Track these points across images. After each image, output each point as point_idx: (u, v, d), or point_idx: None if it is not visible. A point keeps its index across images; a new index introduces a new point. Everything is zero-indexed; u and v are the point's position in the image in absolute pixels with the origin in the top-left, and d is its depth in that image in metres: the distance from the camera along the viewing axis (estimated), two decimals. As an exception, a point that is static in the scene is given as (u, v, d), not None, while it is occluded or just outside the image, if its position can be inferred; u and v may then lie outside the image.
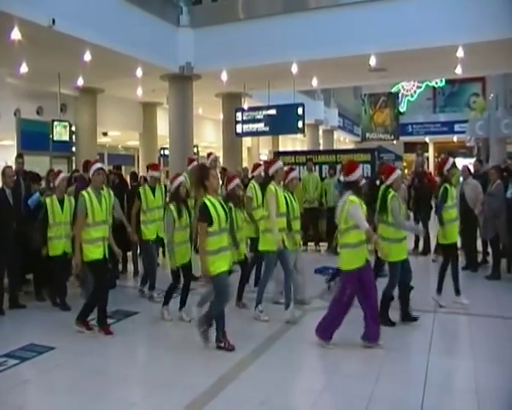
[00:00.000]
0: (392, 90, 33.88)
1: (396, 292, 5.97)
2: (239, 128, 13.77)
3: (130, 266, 9.17)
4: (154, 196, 7.46)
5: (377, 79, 15.04)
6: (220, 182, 7.22)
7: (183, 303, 6.22)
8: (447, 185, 6.65)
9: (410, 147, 32.77)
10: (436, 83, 35.28)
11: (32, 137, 12.81)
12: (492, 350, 5.30)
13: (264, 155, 25.45)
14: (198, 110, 16.97)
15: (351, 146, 31.48)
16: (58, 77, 11.86)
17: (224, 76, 12.23)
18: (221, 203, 5.18)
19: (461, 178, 9.32)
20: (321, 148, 24.22)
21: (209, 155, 8.66)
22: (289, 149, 25.83)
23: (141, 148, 18.01)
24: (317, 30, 10.98)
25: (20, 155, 8.60)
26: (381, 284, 5.83)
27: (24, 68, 10.60)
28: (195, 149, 17.23)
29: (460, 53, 10.44)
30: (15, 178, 7.03)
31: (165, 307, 6.33)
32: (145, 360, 5.46)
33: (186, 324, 6.12)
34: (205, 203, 5.03)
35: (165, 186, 8.90)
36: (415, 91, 36.92)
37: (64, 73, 11.78)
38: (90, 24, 9.41)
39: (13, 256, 6.75)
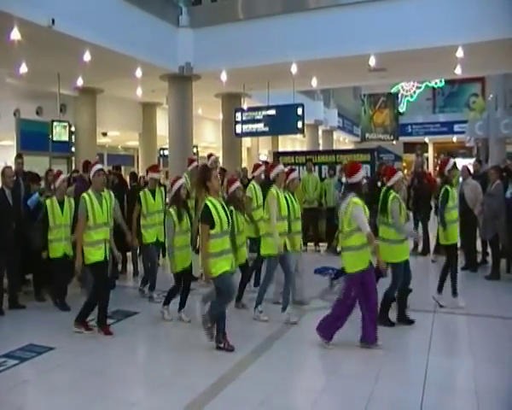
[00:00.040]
0: (392, 91, 33.91)
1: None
2: (238, 128, 13.77)
3: (130, 267, 9.17)
4: (154, 199, 7.44)
5: (377, 79, 15.04)
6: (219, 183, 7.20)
7: (182, 304, 6.22)
8: (448, 187, 6.64)
9: (409, 147, 32.79)
10: (436, 83, 35.32)
11: (32, 138, 12.80)
12: (492, 350, 5.30)
13: (264, 156, 25.47)
14: (197, 110, 16.98)
15: (350, 146, 31.50)
16: (58, 77, 11.85)
17: (224, 76, 12.23)
18: (223, 205, 5.17)
19: (460, 179, 9.33)
20: (320, 148, 24.22)
21: (209, 156, 8.66)
22: (289, 149, 25.83)
23: (140, 148, 18.02)
24: (317, 30, 10.98)
25: (19, 156, 8.59)
26: (381, 285, 5.82)
27: (23, 68, 10.59)
28: (195, 150, 17.22)
29: (460, 53, 10.44)
30: (15, 178, 7.02)
31: (166, 307, 6.33)
32: (145, 360, 5.46)
33: (185, 324, 6.13)
34: (206, 205, 5.02)
35: (165, 187, 8.91)
36: (414, 92, 36.95)
37: (64, 74, 11.78)
38: (89, 24, 9.41)
39: (12, 256, 6.74)
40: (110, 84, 13.45)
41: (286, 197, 6.25)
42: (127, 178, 10.13)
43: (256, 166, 7.86)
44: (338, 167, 11.13)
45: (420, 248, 10.56)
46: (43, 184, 8.08)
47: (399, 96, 35.60)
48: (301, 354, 5.26)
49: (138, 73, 11.66)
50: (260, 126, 13.51)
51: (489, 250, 8.99)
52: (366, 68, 11.92)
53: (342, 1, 10.99)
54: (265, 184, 6.72)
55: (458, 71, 12.25)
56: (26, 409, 4.27)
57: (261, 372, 4.74)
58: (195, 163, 8.57)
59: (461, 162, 13.72)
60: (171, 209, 6.17)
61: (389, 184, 5.90)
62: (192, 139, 13.36)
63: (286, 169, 6.52)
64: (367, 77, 14.11)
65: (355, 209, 5.01)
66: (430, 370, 4.67)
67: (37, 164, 11.32)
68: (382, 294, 5.75)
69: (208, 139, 21.27)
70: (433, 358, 4.96)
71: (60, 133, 13.04)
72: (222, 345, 5.16)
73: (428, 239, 10.43)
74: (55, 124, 12.91)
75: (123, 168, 13.74)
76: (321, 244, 11.35)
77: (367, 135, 32.80)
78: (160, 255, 9.24)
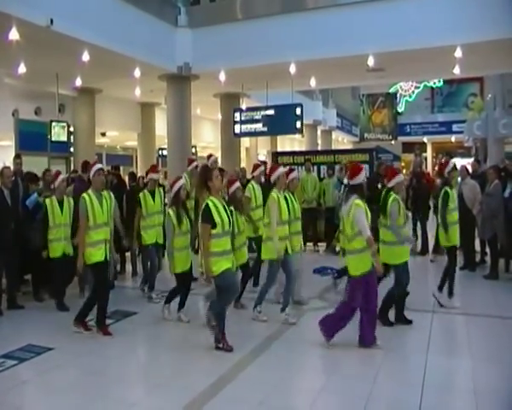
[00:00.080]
0: (391, 91, 33.95)
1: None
2: (237, 128, 13.77)
3: (129, 267, 9.16)
4: (153, 200, 7.44)
5: (375, 79, 15.06)
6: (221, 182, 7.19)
7: (182, 304, 6.22)
8: (448, 189, 6.64)
9: (408, 147, 32.85)
10: (434, 83, 35.39)
11: (30, 138, 12.77)
12: (491, 350, 5.31)
13: (263, 156, 25.47)
14: (196, 110, 16.98)
15: (349, 146, 31.52)
16: (56, 77, 11.84)
17: (222, 76, 12.23)
18: (224, 206, 5.17)
19: (459, 179, 9.33)
20: (319, 148, 24.24)
21: (209, 156, 8.65)
22: (287, 149, 25.84)
23: (139, 148, 18.01)
24: (315, 30, 10.99)
25: (17, 156, 8.59)
26: (382, 286, 5.82)
27: (22, 69, 10.59)
28: (194, 150, 17.22)
29: (458, 53, 10.45)
30: (13, 178, 7.02)
31: (167, 306, 6.33)
32: (144, 361, 5.46)
33: (184, 324, 6.13)
34: (207, 205, 5.02)
35: (164, 187, 8.91)
36: (413, 92, 37.01)
37: (62, 74, 11.77)
38: (88, 24, 9.40)
39: (11, 257, 6.74)
40: (109, 84, 13.45)
41: (286, 197, 6.24)
42: (126, 179, 10.12)
43: (256, 167, 7.86)
44: (337, 167, 11.13)
45: (419, 248, 10.56)
46: (41, 184, 8.07)
47: (398, 96, 35.64)
48: (300, 354, 5.26)
49: (137, 73, 11.66)
50: (259, 126, 13.50)
51: (487, 250, 9.01)
52: (365, 68, 11.94)
53: (341, 1, 10.99)
54: (266, 187, 6.70)
55: (457, 71, 12.27)
56: (25, 410, 4.28)
57: (260, 372, 4.74)
58: (195, 163, 8.56)
59: (459, 162, 13.76)
60: (170, 210, 6.16)
61: (390, 185, 5.88)
62: (191, 139, 13.35)
63: (285, 169, 6.51)
64: (365, 77, 14.13)
65: (357, 212, 5.00)
66: (429, 370, 4.67)
67: (36, 164, 11.28)
68: (382, 294, 5.75)
69: (207, 139, 21.27)
70: (432, 358, 4.97)
71: (58, 133, 13.01)
72: (221, 345, 5.15)
73: (427, 239, 10.43)
74: (53, 124, 12.88)
75: (121, 168, 13.74)
76: (320, 244, 11.35)
77: (365, 135, 32.81)
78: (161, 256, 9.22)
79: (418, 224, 10.53)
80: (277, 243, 5.94)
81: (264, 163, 11.22)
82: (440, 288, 6.74)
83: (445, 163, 6.94)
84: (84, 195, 5.66)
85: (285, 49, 11.17)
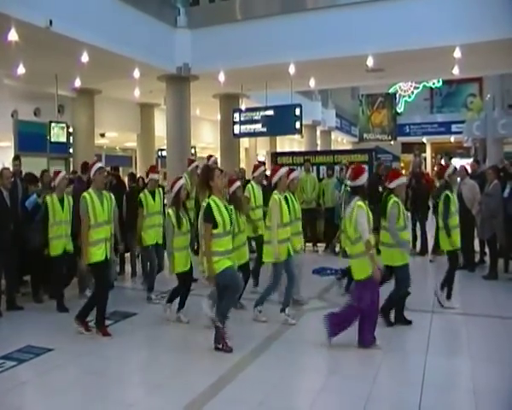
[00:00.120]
0: (390, 91, 33.97)
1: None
2: (236, 129, 13.77)
3: (128, 268, 9.15)
4: (154, 200, 7.46)
5: (375, 79, 15.06)
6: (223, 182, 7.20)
7: (181, 305, 6.22)
8: (448, 193, 6.63)
9: (407, 147, 32.83)
10: (433, 83, 35.41)
11: (30, 139, 12.77)
12: (490, 350, 5.31)
13: (262, 156, 25.48)
14: (195, 111, 16.97)
15: (348, 147, 31.53)
16: (55, 78, 11.85)
17: (222, 77, 12.23)
18: (225, 206, 5.16)
19: (458, 179, 9.34)
20: (318, 148, 24.24)
21: (209, 157, 8.65)
22: (287, 149, 25.83)
23: (138, 149, 18.01)
24: (315, 30, 10.99)
25: (16, 157, 8.59)
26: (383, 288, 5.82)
27: (21, 70, 10.58)
28: (193, 151, 17.21)
29: (458, 53, 10.45)
30: (13, 179, 7.02)
31: (168, 305, 6.32)
32: (144, 361, 5.44)
33: (184, 325, 6.12)
34: (209, 204, 5.02)
35: (163, 188, 8.90)
36: (412, 92, 37.03)
37: (61, 75, 11.77)
38: (87, 25, 9.40)
39: (10, 258, 6.73)
40: (108, 85, 13.44)
41: (286, 197, 6.23)
42: (125, 180, 10.11)
43: (256, 167, 7.84)
44: (337, 168, 11.13)
45: (418, 248, 10.57)
46: (40, 185, 8.06)
47: (397, 96, 35.69)
48: (300, 354, 5.26)
49: (136, 73, 11.66)
50: (258, 127, 13.51)
51: (487, 250, 9.01)
52: (364, 69, 11.94)
53: (340, 1, 11.00)
54: (267, 189, 6.68)
55: (456, 71, 12.27)
56: (25, 410, 4.27)
57: (260, 373, 4.74)
58: (195, 163, 8.57)
59: (459, 162, 13.78)
60: (170, 210, 6.16)
61: (391, 186, 5.83)
62: (190, 140, 13.35)
63: (286, 170, 6.50)
64: (365, 77, 14.13)
65: (359, 214, 5.01)
66: (428, 370, 4.67)
67: (35, 165, 11.28)
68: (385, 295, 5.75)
69: (206, 140, 21.27)
70: (432, 358, 4.97)
71: (57, 134, 13.01)
72: (220, 346, 5.15)
73: (426, 239, 10.43)
74: (52, 125, 12.88)
75: (121, 169, 13.73)
76: (319, 244, 11.35)
77: (365, 135, 32.84)
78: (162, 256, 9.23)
79: (417, 224, 10.53)
80: (276, 247, 5.93)
81: (263, 164, 11.21)
82: (442, 288, 6.72)
83: (445, 166, 6.92)
84: (85, 194, 5.66)
85: (284, 50, 11.17)
